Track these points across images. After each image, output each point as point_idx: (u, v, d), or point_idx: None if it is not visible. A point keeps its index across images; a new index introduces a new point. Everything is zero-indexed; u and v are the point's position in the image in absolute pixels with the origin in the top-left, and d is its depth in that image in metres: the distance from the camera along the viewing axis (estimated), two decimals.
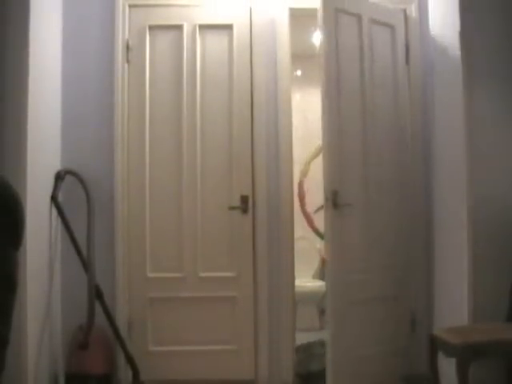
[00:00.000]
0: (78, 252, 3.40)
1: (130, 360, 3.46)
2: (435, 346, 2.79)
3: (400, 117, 3.78)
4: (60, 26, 3.71)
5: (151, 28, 3.78)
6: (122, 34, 3.75)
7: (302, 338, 4.17)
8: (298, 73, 5.71)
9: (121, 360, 3.56)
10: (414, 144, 3.80)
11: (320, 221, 4.46)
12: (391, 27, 3.77)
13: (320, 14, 3.42)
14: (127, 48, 3.75)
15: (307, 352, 4.03)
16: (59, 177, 3.49)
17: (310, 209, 5.72)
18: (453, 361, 2.57)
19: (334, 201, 3.34)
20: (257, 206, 3.72)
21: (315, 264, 5.69)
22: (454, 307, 3.24)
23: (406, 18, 3.84)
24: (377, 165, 3.62)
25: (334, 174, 3.38)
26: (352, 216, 3.47)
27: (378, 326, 3.56)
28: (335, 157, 3.40)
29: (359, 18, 3.60)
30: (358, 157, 3.55)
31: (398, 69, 3.79)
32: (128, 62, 3.76)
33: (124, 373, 3.59)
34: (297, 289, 3.80)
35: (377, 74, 3.66)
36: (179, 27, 3.78)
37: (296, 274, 3.81)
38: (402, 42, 3.82)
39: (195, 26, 3.78)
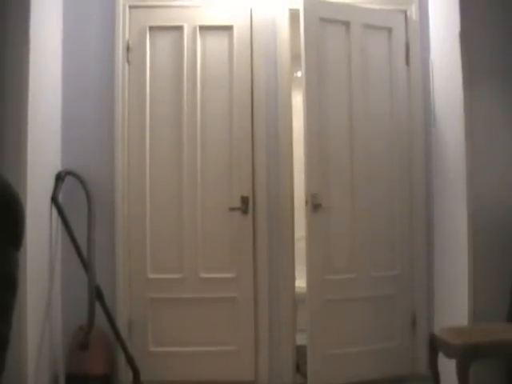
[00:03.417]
0: (79, 253, 3.40)
1: (130, 361, 3.46)
2: (435, 346, 2.79)
3: (398, 118, 3.80)
4: (60, 25, 3.71)
5: (151, 29, 3.78)
6: (123, 34, 3.75)
7: (302, 339, 4.16)
8: (298, 74, 5.71)
9: (121, 361, 3.56)
10: (413, 144, 3.81)
11: None
12: (388, 30, 3.81)
13: (302, 25, 3.49)
14: (127, 49, 3.76)
15: None
16: (60, 177, 3.49)
17: None
18: (453, 361, 2.56)
19: (313, 203, 3.42)
20: (257, 207, 3.72)
21: None
22: (454, 307, 3.24)
23: (407, 19, 3.85)
24: (367, 168, 3.67)
25: (314, 177, 3.47)
26: (334, 218, 3.54)
27: (367, 325, 3.59)
28: (316, 160, 3.49)
29: (347, 25, 3.65)
30: (344, 160, 3.62)
31: (397, 70, 3.81)
32: (128, 62, 3.76)
33: (124, 373, 3.59)
34: (297, 289, 3.79)
35: (371, 77, 3.72)
36: (179, 28, 3.78)
37: (296, 274, 3.80)
38: (401, 43, 3.84)
39: (195, 27, 3.78)
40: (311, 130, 3.49)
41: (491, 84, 3.15)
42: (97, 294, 3.31)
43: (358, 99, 3.67)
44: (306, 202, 3.46)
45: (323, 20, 3.58)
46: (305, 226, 3.48)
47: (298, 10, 3.56)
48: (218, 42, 3.80)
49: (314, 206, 3.44)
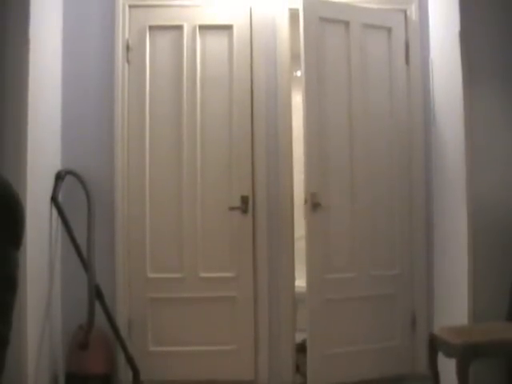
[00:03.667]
0: (78, 252, 3.40)
1: (130, 360, 3.46)
2: (435, 345, 2.79)
3: (398, 117, 3.80)
4: (60, 25, 3.71)
5: (151, 28, 3.78)
6: (122, 34, 3.75)
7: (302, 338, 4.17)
8: (298, 73, 5.71)
9: (121, 360, 3.56)
10: (413, 143, 3.81)
11: None
12: (388, 29, 3.81)
13: (301, 25, 3.50)
14: (127, 48, 3.75)
15: None
16: (59, 177, 3.49)
17: None
18: (453, 361, 2.57)
19: (313, 202, 3.43)
20: (257, 207, 3.72)
21: None
22: (454, 307, 3.24)
23: (406, 18, 3.85)
24: (367, 167, 3.67)
25: (313, 176, 3.48)
26: (334, 217, 3.54)
27: (367, 324, 3.60)
28: (316, 160, 3.50)
29: (347, 24, 3.66)
30: (344, 160, 3.62)
31: (397, 70, 3.82)
32: (128, 62, 3.76)
33: (124, 373, 3.60)
34: (297, 289, 3.80)
35: (371, 76, 3.73)
36: (179, 27, 3.78)
37: (296, 274, 3.80)
38: (401, 42, 3.84)
39: (195, 26, 3.78)
40: (311, 130, 3.50)
41: (491, 83, 3.15)
42: (96, 294, 3.31)
43: (357, 98, 3.68)
44: (305, 201, 3.46)
45: (323, 19, 3.59)
46: (304, 225, 3.48)
47: (297, 10, 3.57)
48: (217, 42, 3.80)
49: (314, 205, 3.44)
